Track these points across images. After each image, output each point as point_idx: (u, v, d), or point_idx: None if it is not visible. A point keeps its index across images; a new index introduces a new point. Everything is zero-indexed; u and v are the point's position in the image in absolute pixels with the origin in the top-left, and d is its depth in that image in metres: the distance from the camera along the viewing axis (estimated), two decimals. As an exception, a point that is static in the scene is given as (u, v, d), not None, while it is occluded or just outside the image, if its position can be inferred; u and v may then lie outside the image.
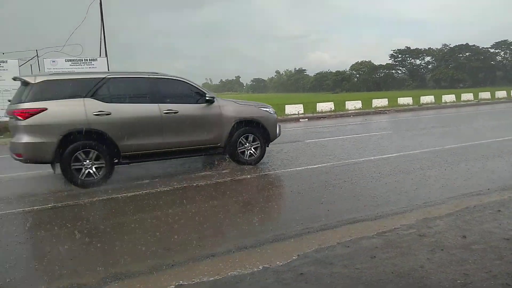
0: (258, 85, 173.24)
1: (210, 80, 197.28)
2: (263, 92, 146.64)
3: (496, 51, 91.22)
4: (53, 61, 17.20)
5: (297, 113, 22.17)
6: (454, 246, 3.53)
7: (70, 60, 17.48)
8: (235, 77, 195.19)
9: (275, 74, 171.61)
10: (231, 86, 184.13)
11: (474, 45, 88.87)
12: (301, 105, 23.14)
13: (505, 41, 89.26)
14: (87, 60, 17.63)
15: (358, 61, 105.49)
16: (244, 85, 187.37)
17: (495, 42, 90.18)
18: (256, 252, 3.66)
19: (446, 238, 3.72)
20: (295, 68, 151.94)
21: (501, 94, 31.45)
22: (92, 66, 17.63)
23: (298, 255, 3.50)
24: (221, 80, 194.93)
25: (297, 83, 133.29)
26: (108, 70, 17.90)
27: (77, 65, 17.43)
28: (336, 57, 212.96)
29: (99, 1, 18.04)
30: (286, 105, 23.20)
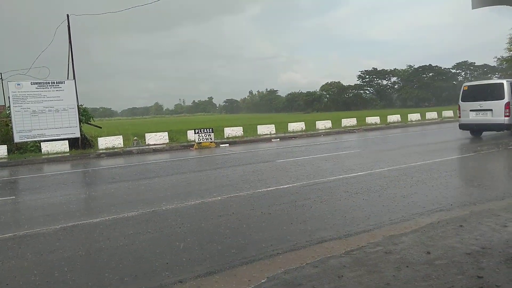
0: (231, 106, 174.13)
1: (183, 101, 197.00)
2: (236, 113, 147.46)
3: (458, 71, 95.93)
4: (18, 84, 16.70)
5: (269, 133, 22.36)
6: (419, 262, 3.61)
7: (36, 83, 17.03)
8: (208, 98, 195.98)
9: (248, 94, 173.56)
10: (204, 107, 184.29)
11: (436, 66, 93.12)
12: (273, 126, 23.39)
13: (465, 61, 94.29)
14: (54, 82, 17.24)
15: (328, 82, 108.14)
16: (217, 105, 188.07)
17: (456, 63, 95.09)
18: (224, 276, 3.61)
19: (411, 255, 3.80)
20: (267, 89, 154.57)
21: (463, 112, 33.00)
22: (59, 88, 17.24)
23: (267, 277, 3.48)
24: (194, 101, 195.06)
25: (269, 104, 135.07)
26: (76, 92, 17.57)
27: (43, 87, 16.99)
28: (306, 77, 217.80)
29: (67, 23, 17.81)
30: (258, 126, 23.41)
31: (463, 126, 15.12)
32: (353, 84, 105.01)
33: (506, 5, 1.24)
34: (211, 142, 18.06)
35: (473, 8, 1.20)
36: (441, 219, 4.94)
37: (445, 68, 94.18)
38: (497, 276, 3.23)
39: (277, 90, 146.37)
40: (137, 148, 17.84)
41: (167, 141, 19.67)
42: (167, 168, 11.73)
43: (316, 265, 3.68)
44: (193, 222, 5.55)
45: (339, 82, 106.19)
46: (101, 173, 12.00)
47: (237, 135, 21.46)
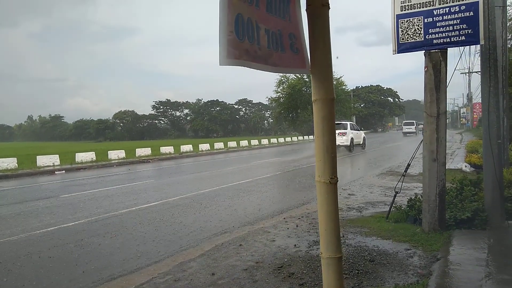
0: (3, 133, 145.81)
1: None
2: (9, 141, 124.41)
3: (239, 107, 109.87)
4: None
5: (52, 164, 19.82)
6: (205, 285, 3.90)
7: None
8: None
9: (26, 120, 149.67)
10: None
11: (222, 101, 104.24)
12: (57, 156, 20.88)
13: (245, 99, 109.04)
14: None
15: (121, 110, 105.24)
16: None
17: (238, 100, 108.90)
18: None
19: (198, 278, 4.06)
20: (50, 115, 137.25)
21: (244, 143, 37.81)
22: None
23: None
24: None
25: (53, 131, 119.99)
26: None
27: None
28: (98, 104, 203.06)
29: None
30: (38, 156, 20.42)
31: None
32: (147, 114, 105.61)
33: (247, 67, 1.59)
34: (-30, 177, 14.63)
35: (220, 65, 1.47)
36: (224, 240, 5.47)
37: (229, 103, 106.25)
38: (267, 286, 3.80)
39: (63, 117, 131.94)
40: None
41: None
42: None
43: (103, 307, 3.47)
44: None
45: (133, 111, 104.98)
46: None
47: (9, 168, 18.11)
